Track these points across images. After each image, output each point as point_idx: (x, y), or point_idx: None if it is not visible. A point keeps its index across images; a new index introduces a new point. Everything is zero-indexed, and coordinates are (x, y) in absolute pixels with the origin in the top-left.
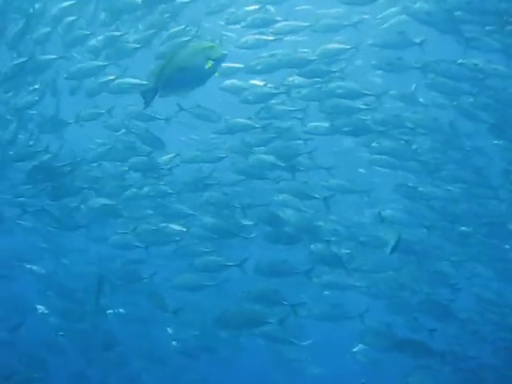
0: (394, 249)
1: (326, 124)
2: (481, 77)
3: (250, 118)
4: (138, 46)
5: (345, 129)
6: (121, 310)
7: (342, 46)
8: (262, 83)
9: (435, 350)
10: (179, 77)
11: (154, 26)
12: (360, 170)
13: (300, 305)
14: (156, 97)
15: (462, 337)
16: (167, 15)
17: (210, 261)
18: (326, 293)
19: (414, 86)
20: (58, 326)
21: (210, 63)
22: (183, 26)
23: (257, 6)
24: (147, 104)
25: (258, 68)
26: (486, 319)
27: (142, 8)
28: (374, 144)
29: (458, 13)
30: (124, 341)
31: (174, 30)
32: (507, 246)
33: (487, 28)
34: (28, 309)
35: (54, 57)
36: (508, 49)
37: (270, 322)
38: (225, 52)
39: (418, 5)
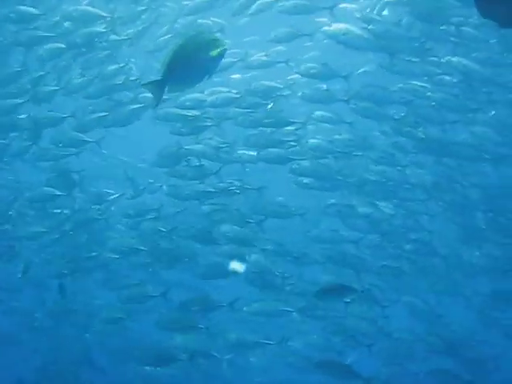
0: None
1: (254, 152)
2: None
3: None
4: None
5: (269, 157)
6: None
7: (273, 83)
8: (195, 113)
9: (360, 375)
10: (184, 70)
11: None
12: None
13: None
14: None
15: (396, 357)
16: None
17: (136, 291)
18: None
19: None
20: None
21: (216, 52)
22: (121, 64)
23: None
24: (157, 101)
25: (188, 104)
26: (420, 338)
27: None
28: (295, 166)
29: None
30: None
31: (110, 68)
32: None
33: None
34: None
35: None
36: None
37: (180, 360)
38: (227, 41)
39: (333, 27)
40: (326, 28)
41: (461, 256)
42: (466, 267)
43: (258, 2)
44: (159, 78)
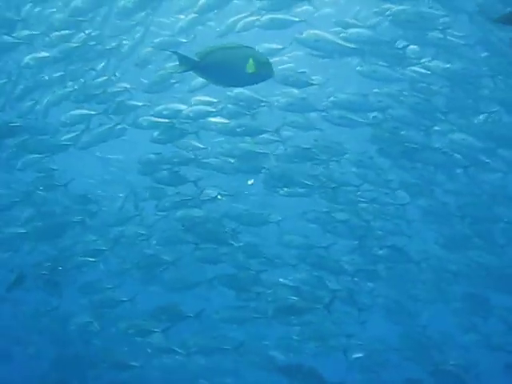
0: None
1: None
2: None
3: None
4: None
5: (244, 168)
6: None
7: (252, 93)
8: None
9: (327, 380)
10: (218, 67)
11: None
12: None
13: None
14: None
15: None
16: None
17: (106, 297)
18: None
19: None
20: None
21: (251, 67)
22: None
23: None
24: (181, 70)
25: (165, 113)
26: (395, 346)
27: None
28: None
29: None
30: None
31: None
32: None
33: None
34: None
35: None
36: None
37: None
38: (273, 72)
39: (304, 35)
40: (297, 35)
41: (440, 261)
42: (444, 273)
43: (243, 20)
44: (195, 58)
